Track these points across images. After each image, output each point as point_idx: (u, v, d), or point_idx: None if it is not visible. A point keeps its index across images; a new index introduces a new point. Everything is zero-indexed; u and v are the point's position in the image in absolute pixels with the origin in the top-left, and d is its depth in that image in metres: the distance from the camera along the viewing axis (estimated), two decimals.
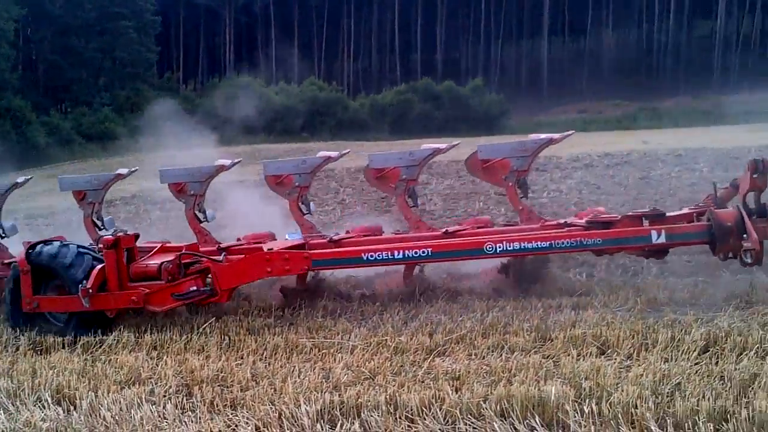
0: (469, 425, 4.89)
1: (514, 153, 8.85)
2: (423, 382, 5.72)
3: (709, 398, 4.88)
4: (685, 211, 8.64)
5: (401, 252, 8.05)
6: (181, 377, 6.22)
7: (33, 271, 7.91)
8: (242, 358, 6.70)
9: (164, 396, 5.81)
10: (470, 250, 8.09)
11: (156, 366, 6.58)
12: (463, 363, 6.12)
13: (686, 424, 4.58)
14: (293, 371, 6.16)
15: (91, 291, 7.63)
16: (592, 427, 4.63)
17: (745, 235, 7.63)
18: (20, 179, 11.11)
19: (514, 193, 8.89)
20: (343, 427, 5.00)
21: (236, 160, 10.52)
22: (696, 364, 5.73)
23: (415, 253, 8.04)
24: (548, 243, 7.99)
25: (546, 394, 5.04)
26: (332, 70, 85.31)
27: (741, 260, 7.79)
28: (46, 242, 8.13)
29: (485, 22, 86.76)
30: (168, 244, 8.75)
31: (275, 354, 6.75)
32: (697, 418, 4.61)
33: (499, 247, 7.90)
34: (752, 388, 5.09)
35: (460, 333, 6.92)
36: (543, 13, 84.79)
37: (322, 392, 5.57)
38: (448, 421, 4.98)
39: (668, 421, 4.65)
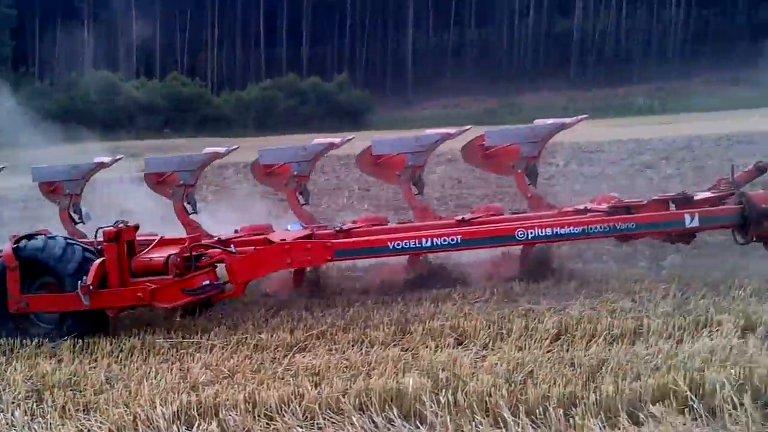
0: (329, 420, 4.88)
1: (525, 139, 8.73)
2: (283, 379, 5.68)
3: (559, 384, 5.02)
4: (709, 194, 8.43)
5: (429, 240, 7.71)
6: (32, 382, 5.97)
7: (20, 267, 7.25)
8: (96, 360, 6.49)
9: (12, 402, 5.57)
10: (502, 237, 7.88)
11: (5, 372, 6.29)
12: (324, 358, 6.11)
13: (537, 411, 4.69)
14: (150, 373, 5.99)
15: (91, 287, 6.97)
16: (448, 417, 4.69)
17: None
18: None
19: (523, 181, 8.77)
20: (200, 428, 4.91)
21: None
22: (548, 351, 5.90)
23: (444, 240, 7.72)
24: (581, 228, 7.74)
25: (404, 386, 5.08)
26: (196, 65, 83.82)
27: None
28: (30, 236, 7.46)
29: (351, 17, 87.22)
30: (167, 237, 8.13)
31: (131, 356, 6.56)
32: (548, 404, 4.73)
33: (531, 233, 7.70)
34: (600, 373, 5.26)
35: (320, 329, 6.92)
36: (408, 9, 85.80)
37: (179, 393, 5.44)
38: (307, 417, 4.96)
39: (521, 408, 4.75)
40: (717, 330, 6.10)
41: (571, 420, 4.55)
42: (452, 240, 7.71)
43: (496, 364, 5.58)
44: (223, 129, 51.80)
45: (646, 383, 4.92)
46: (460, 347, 6.23)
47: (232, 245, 7.77)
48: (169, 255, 7.36)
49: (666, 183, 14.37)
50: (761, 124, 26.02)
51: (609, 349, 5.82)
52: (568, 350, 5.92)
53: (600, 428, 4.45)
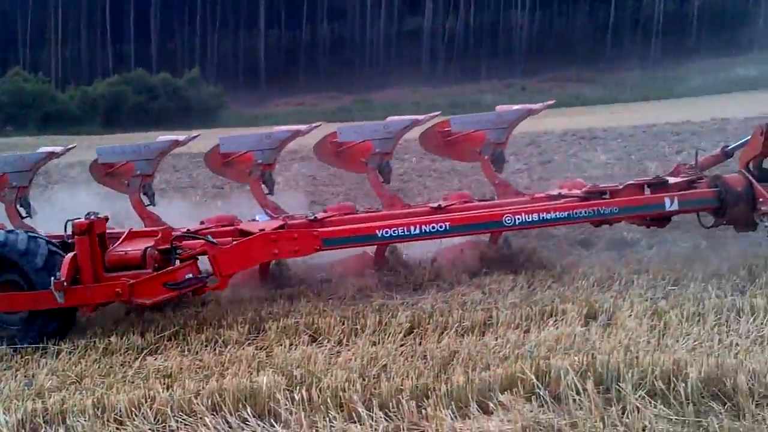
0: (181, 422, 4.80)
1: (492, 125, 8.73)
2: (133, 382, 5.54)
3: (412, 377, 5.12)
4: (680, 179, 8.45)
5: (418, 227, 7.55)
6: None
7: None
8: None
9: None
10: (490, 222, 7.81)
11: None
12: (176, 360, 6.00)
13: (391, 404, 4.75)
14: None
15: (65, 284, 6.43)
16: (303, 414, 4.70)
17: (761, 200, 7.69)
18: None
19: (489, 167, 8.77)
20: None
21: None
22: (401, 345, 6.00)
23: (433, 228, 7.57)
24: (567, 213, 7.80)
25: (258, 384, 5.06)
26: (39, 60, 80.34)
27: (743, 226, 8.08)
28: None
29: (201, 12, 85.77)
30: (136, 230, 7.56)
31: None
32: (401, 396, 4.80)
33: (519, 219, 7.65)
34: (451, 365, 5.39)
35: (172, 330, 6.79)
36: (259, 4, 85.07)
37: (23, 400, 5.23)
38: (158, 420, 4.85)
39: (374, 402, 4.80)
40: (562, 319, 6.35)
41: (423, 411, 4.64)
42: (441, 227, 7.62)
43: (351, 359, 5.63)
44: (70, 126, 49.90)
45: (494, 373, 5.06)
46: (314, 344, 6.23)
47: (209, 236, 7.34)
48: (146, 247, 6.88)
49: (514, 177, 14.75)
50: (604, 121, 27.33)
51: (460, 341, 5.97)
52: (420, 343, 6.03)
53: (451, 418, 4.54)
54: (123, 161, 9.09)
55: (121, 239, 7.15)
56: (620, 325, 6.05)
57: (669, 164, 11.63)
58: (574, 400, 4.61)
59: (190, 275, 6.82)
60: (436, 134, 9.21)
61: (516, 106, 9.07)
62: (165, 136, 9.25)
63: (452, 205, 8.55)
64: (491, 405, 4.70)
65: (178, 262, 6.96)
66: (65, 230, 7.06)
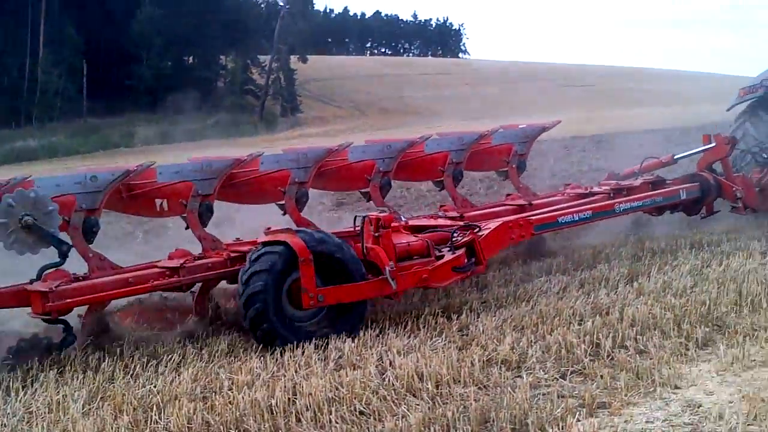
0: None
1: (517, 139, 9.88)
2: None
3: None
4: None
5: (578, 215, 8.57)
6: None
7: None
8: None
9: None
10: (607, 211, 9.07)
11: None
12: None
13: None
14: None
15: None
16: None
17: (734, 188, 9.95)
18: None
19: (516, 174, 9.81)
20: None
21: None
22: None
23: (584, 215, 8.66)
24: (641, 202, 9.58)
25: None
26: None
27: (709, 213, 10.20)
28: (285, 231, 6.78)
29: None
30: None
31: None
32: None
33: (623, 207, 9.22)
34: None
35: None
36: None
37: None
38: None
39: None
40: None
41: None
42: (586, 215, 8.72)
43: None
44: None
45: None
46: None
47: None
48: (426, 239, 7.29)
49: None
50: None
51: None
52: None
53: None
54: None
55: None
56: None
57: None
58: None
59: (473, 260, 7.28)
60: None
61: (537, 122, 10.54)
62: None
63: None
64: None
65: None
66: (354, 224, 7.13)
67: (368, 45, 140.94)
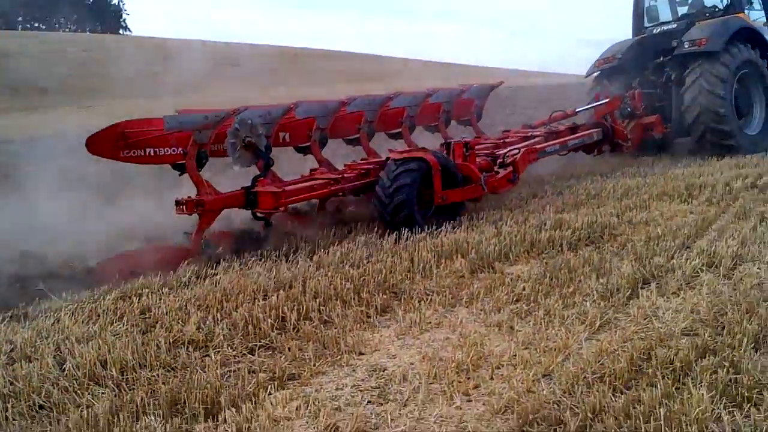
0: None
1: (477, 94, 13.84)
2: None
3: None
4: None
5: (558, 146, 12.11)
6: None
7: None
8: None
9: None
10: (563, 146, 12.38)
11: None
12: None
13: None
14: None
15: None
16: None
17: (626, 131, 13.59)
18: None
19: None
20: None
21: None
22: None
23: (556, 147, 12.02)
24: (579, 140, 12.70)
25: None
26: None
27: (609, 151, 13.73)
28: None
29: None
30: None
31: None
32: None
33: (572, 143, 12.54)
34: None
35: None
36: None
37: None
38: None
39: None
40: None
41: None
42: (556, 147, 12.07)
43: None
44: None
45: None
46: None
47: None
48: (490, 157, 10.35)
49: None
50: None
51: None
52: None
53: None
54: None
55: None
56: None
57: None
58: None
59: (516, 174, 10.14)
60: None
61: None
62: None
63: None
64: None
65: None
66: (444, 148, 9.64)
67: (19, 19, 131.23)
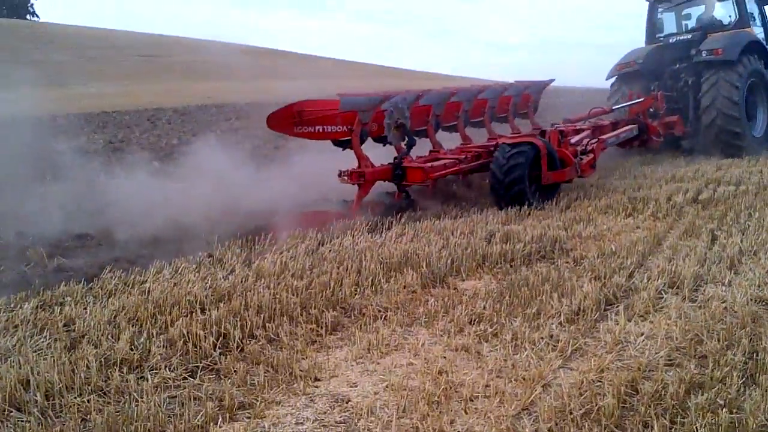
0: None
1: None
2: None
3: None
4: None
5: (611, 139, 13.48)
6: None
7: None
8: None
9: None
10: (617, 138, 13.94)
11: None
12: None
13: None
14: None
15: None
16: None
17: (658, 128, 15.45)
18: None
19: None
20: None
21: None
22: None
23: (615, 140, 13.85)
24: (626, 134, 14.38)
25: None
26: None
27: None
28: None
29: None
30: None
31: None
32: None
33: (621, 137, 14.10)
34: None
35: None
36: None
37: None
38: None
39: None
40: None
41: None
42: (615, 140, 13.79)
43: None
44: None
45: None
46: None
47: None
48: (577, 145, 11.40)
49: None
50: None
51: None
52: None
53: None
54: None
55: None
56: None
57: None
58: None
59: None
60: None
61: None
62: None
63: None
64: None
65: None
66: (542, 134, 11.00)
67: None
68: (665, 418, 3.73)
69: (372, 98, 9.81)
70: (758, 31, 17.83)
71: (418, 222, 8.74)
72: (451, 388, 4.21)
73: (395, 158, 9.92)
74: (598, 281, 6.19)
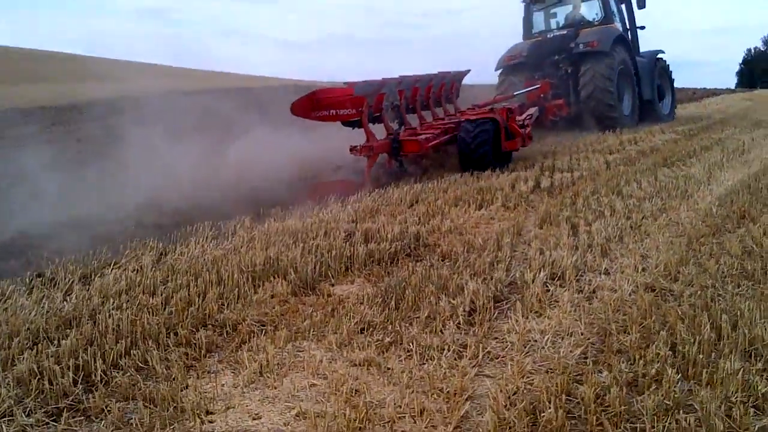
0: None
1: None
2: None
3: None
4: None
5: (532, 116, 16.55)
6: None
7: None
8: None
9: None
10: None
11: None
12: None
13: None
14: None
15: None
16: None
17: (554, 109, 18.80)
18: None
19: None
20: None
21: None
22: None
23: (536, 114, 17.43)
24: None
25: None
26: None
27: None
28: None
29: None
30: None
31: None
32: None
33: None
34: None
35: None
36: None
37: None
38: None
39: None
40: None
41: None
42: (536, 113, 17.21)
43: None
44: None
45: None
46: None
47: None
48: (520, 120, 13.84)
49: None
50: None
51: None
52: None
53: None
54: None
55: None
56: None
57: None
58: None
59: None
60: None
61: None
62: None
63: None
64: None
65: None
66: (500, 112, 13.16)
67: None
68: (620, 427, 3.39)
69: (376, 84, 11.92)
70: (619, 27, 21.52)
71: (263, 225, 8.15)
72: (369, 410, 3.69)
73: (389, 134, 12.09)
74: (479, 277, 5.85)
